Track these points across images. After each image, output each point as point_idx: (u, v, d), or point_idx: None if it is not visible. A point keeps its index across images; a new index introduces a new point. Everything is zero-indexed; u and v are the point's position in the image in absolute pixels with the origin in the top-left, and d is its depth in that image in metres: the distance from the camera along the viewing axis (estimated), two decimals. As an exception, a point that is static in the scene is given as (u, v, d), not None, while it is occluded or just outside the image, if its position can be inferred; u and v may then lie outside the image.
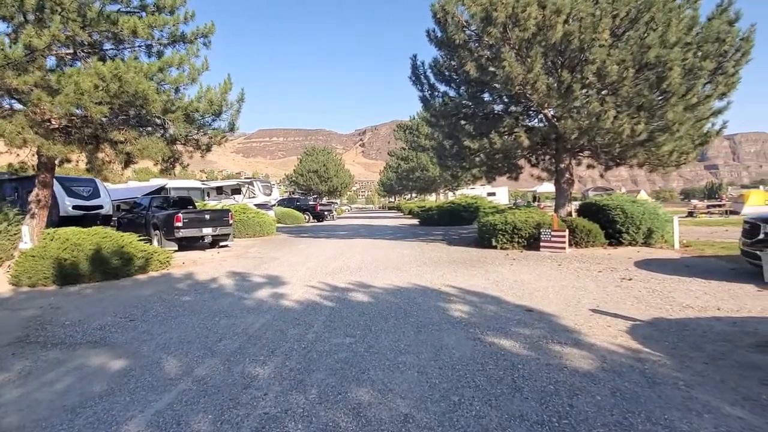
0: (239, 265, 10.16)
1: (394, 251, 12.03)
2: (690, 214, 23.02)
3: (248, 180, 32.50)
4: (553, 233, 10.55)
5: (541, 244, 10.71)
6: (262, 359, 4.01)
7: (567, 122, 9.70)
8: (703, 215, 22.48)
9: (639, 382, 3.36)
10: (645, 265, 8.45)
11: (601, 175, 14.40)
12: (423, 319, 5.22)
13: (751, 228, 6.88)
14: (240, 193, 31.24)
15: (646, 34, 8.81)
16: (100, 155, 12.20)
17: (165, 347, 4.46)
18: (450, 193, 44.89)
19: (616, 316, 5.21)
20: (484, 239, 11.93)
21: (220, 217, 13.76)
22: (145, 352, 4.35)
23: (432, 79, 13.39)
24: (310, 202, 33.96)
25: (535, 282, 7.23)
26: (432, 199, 46.12)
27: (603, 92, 9.63)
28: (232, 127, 12.34)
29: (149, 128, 11.74)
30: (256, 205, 25.29)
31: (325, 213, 33.26)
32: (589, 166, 13.66)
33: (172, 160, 12.72)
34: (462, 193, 38.94)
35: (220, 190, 32.40)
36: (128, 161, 11.78)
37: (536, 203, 32.95)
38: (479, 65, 10.19)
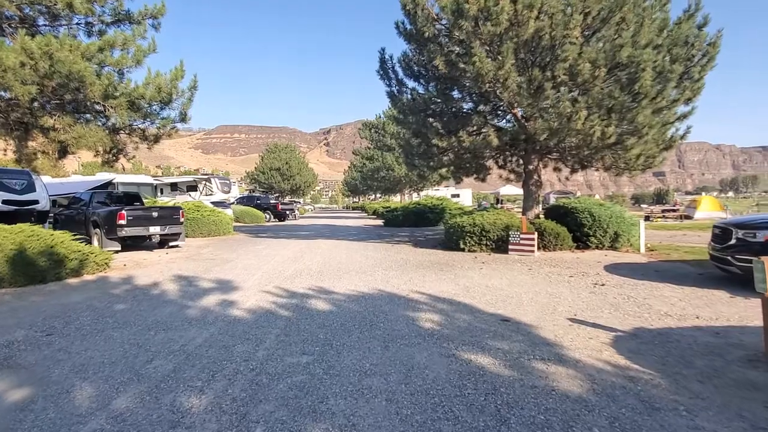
0: (188, 268, 9.28)
1: (359, 253, 11.46)
2: (647, 218, 23.74)
3: (205, 176, 31.00)
4: (522, 236, 10.29)
5: (510, 247, 10.43)
6: (200, 386, 3.34)
7: (537, 122, 9.45)
8: (659, 219, 23.22)
9: (636, 408, 2.94)
10: (615, 269, 8.28)
11: (567, 178, 14.38)
12: (390, 331, 4.67)
13: (722, 233, 6.78)
14: (196, 190, 29.77)
15: (617, 35, 8.67)
16: (31, 144, 10.96)
17: (82, 370, 3.70)
18: (415, 194, 44.75)
19: (595, 326, 4.86)
20: (452, 241, 11.55)
21: (169, 215, 12.72)
22: (56, 376, 3.58)
23: (400, 74, 12.91)
24: (272, 201, 32.82)
25: (507, 288, 6.85)
26: (397, 200, 45.83)
27: (574, 93, 9.43)
28: (183, 117, 11.41)
29: (88, 115, 10.65)
30: (213, 203, 24.07)
31: (287, 212, 32.22)
32: (555, 169, 13.58)
33: (115, 151, 11.65)
34: (426, 194, 38.82)
35: (174, 187, 30.77)
36: (63, 151, 10.62)
37: (499, 205, 33.27)
38: (449, 60, 9.78)
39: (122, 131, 11.19)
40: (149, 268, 9.54)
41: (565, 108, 8.83)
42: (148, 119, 10.69)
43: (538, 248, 10.46)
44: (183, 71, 10.95)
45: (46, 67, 8.65)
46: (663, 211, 25.52)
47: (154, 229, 12.38)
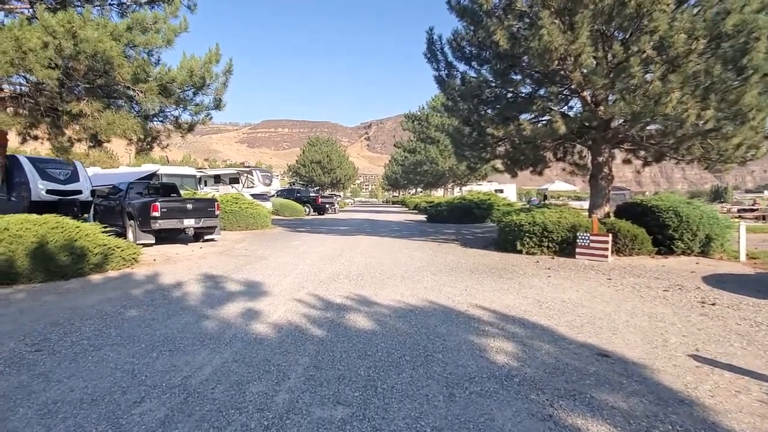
0: (219, 266, 8.51)
1: (402, 253, 10.36)
2: (719, 218, 21.12)
3: (247, 169, 30.80)
4: (592, 238, 8.85)
5: (578, 250, 9.02)
6: (192, 455, 2.35)
7: (615, 106, 7.97)
8: (736, 221, 20.65)
9: None
10: (718, 282, 6.75)
11: (638, 172, 12.67)
12: (453, 368, 3.55)
13: None
14: (239, 182, 29.64)
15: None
16: (68, 132, 10.53)
17: (51, 413, 2.82)
18: (457, 189, 43.15)
19: (733, 369, 3.55)
20: (507, 241, 10.24)
21: (204, 208, 12.10)
22: (14, 422, 2.71)
23: (450, 57, 11.64)
24: (311, 194, 32.25)
25: (589, 304, 5.55)
26: (439, 195, 44.38)
27: (662, 70, 7.85)
28: (218, 104, 10.65)
29: (120, 101, 10.07)
30: (253, 195, 23.69)
31: (327, 206, 31.57)
32: (625, 161, 11.94)
33: (149, 140, 11.05)
34: (470, 188, 37.15)
35: (217, 179, 30.79)
36: (94, 139, 10.10)
37: (545, 202, 31.18)
38: (511, 34, 8.44)
39: (155, 118, 10.56)
40: (178, 264, 8.85)
41: (655, 88, 7.32)
42: (181, 105, 9.97)
43: (612, 252, 8.98)
44: (219, 55, 10.18)
45: (70, 47, 7.99)
46: (740, 210, 22.78)
47: (189, 222, 11.79)
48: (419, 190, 56.29)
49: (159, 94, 9.30)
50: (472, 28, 10.44)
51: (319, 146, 54.26)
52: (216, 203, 12.44)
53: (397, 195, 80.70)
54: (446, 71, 11.81)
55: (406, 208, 44.93)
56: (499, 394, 3.08)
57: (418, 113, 39.98)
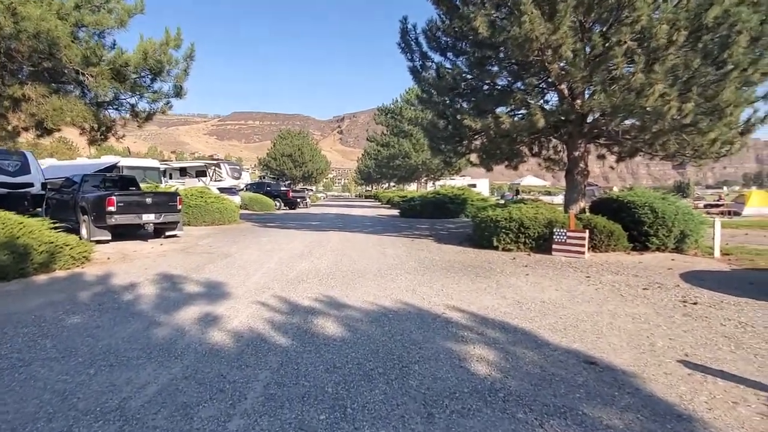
0: (178, 264, 7.93)
1: (375, 249, 9.99)
2: (684, 213, 21.61)
3: (215, 161, 29.73)
4: (569, 234, 8.70)
5: (554, 246, 8.85)
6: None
7: (597, 98, 7.79)
8: (707, 217, 21.11)
9: None
10: (696, 279, 6.66)
11: (612, 168, 12.69)
12: (431, 381, 3.20)
13: None
14: (206, 176, 28.59)
15: (703, -12, 6.95)
16: (12, 119, 9.65)
17: (-52, 452, 2.32)
18: (430, 184, 43.07)
19: (725, 376, 3.34)
20: (483, 237, 10.00)
21: (165, 202, 11.38)
22: None
23: (425, 47, 11.28)
24: (282, 188, 31.44)
25: (570, 304, 5.32)
26: (412, 189, 44.21)
27: (643, 61, 7.70)
28: (179, 92, 9.97)
29: (69, 87, 9.29)
30: (221, 189, 22.82)
31: (298, 200, 30.87)
32: (600, 157, 11.90)
33: (103, 129, 10.28)
34: (444, 183, 37.09)
35: (183, 172, 29.64)
36: (42, 127, 9.29)
37: (517, 196, 31.40)
38: (491, 21, 8.14)
39: (109, 106, 9.80)
40: (135, 262, 8.22)
41: (637, 80, 7.16)
42: (137, 92, 9.27)
43: (588, 249, 8.86)
44: (180, 39, 9.51)
45: (10, 26, 7.22)
46: (706, 206, 23.41)
47: (148, 217, 11.06)
48: (392, 184, 56.00)
49: (112, 79, 8.59)
50: (448, 16, 10.10)
51: (291, 139, 53.13)
52: (178, 197, 11.74)
53: (370, 189, 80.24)
54: (421, 62, 11.45)
55: (379, 203, 44.58)
56: (482, 412, 2.75)
57: (392, 106, 39.57)
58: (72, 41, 8.08)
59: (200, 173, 29.11)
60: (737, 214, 20.80)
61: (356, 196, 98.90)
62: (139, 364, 3.48)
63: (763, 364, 3.58)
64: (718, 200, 26.36)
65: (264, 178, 46.64)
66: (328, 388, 3.06)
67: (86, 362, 3.53)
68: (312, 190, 53.34)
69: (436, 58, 11.34)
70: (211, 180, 27.81)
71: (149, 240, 11.49)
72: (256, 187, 31.13)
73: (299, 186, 47.71)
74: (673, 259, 8.36)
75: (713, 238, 8.67)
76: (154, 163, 25.67)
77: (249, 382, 3.14)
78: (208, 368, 3.39)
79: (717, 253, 8.59)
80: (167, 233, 11.93)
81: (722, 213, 20.37)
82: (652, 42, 7.16)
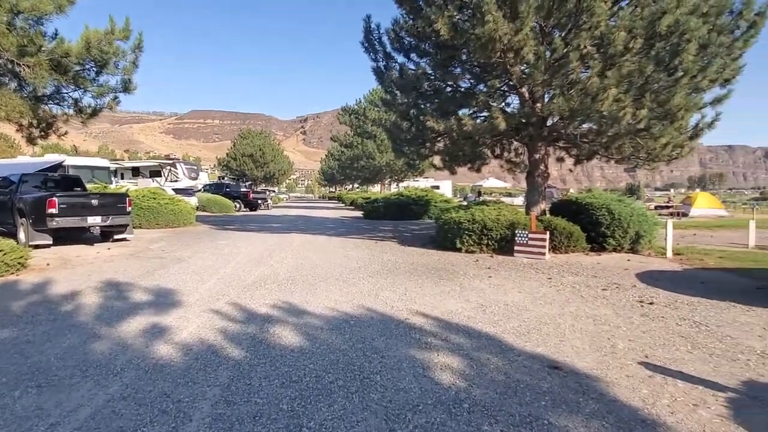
0: (126, 271, 7.42)
1: (337, 252, 9.76)
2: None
3: (170, 161, 28.51)
4: (530, 236, 8.79)
5: (516, 248, 8.93)
6: None
7: (556, 102, 7.90)
8: (660, 218, 22.11)
9: None
10: (651, 279, 6.85)
11: (570, 170, 13.01)
12: (393, 392, 3.04)
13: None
14: (160, 176, 27.38)
15: (656, -2, 7.18)
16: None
17: None
18: (394, 185, 43.12)
19: (684, 378, 3.37)
20: (446, 239, 9.98)
21: (113, 204, 10.70)
22: None
23: (388, 47, 11.17)
24: (243, 189, 30.54)
25: (533, 307, 5.31)
26: (376, 190, 44.11)
27: (599, 66, 7.88)
28: (127, 86, 9.39)
29: (4, 78, 8.55)
30: (176, 189, 21.88)
31: (259, 201, 30.07)
32: (559, 159, 12.15)
33: (43, 125, 9.54)
34: (407, 185, 37.19)
35: (136, 172, 28.29)
36: (-30, 122, 8.51)
37: (480, 198, 31.92)
38: (453, 24, 8.11)
39: (50, 100, 9.11)
40: (77, 269, 7.63)
41: (593, 85, 7.31)
42: (81, 85, 8.64)
43: (549, 250, 8.98)
44: (129, 30, 8.95)
45: (-68, 9, 6.55)
46: (657, 207, 24.55)
47: (94, 220, 10.35)
48: (356, 185, 55.70)
49: (52, 71, 7.96)
50: (411, 17, 10.02)
51: (252, 139, 51.77)
52: (127, 198, 11.06)
53: (333, 191, 79.59)
54: (384, 62, 11.33)
55: (343, 204, 44.22)
56: (447, 426, 2.61)
57: (356, 107, 39.31)
58: (7, 29, 7.42)
59: (154, 173, 27.84)
60: (685, 215, 21.95)
61: (320, 198, 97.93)
62: (73, 384, 3.14)
63: (719, 363, 3.64)
64: (667, 202, 27.75)
65: (223, 178, 45.13)
66: (283, 404, 2.84)
67: (11, 383, 3.15)
68: (274, 191, 52.22)
69: (400, 58, 11.26)
70: (166, 180, 26.65)
71: (95, 244, 10.77)
72: (214, 187, 30.10)
73: (261, 187, 46.60)
74: (628, 260, 8.61)
75: (666, 239, 9.00)
76: (103, 162, 24.31)
77: (195, 401, 2.88)
78: (151, 386, 3.09)
79: (669, 254, 8.92)
80: (116, 237, 11.23)
81: (672, 214, 21.42)
82: (609, 48, 7.33)
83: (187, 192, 22.28)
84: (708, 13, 7.49)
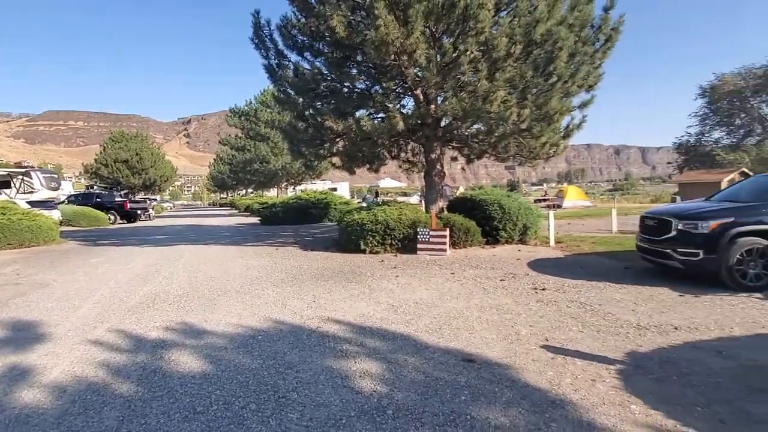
0: (-33, 303, 6.09)
1: (236, 262, 9.14)
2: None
3: (23, 170, 24.44)
4: (431, 233, 9.10)
5: (419, 246, 9.18)
6: None
7: (449, 103, 8.28)
8: (539, 210, 24.52)
9: None
10: (540, 267, 7.51)
11: (463, 169, 13.79)
12: (312, 409, 2.85)
13: (658, 224, 6.29)
14: (9, 187, 23.31)
15: (531, 8, 7.88)
16: None
17: None
18: (291, 189, 42.06)
19: (580, 355, 3.70)
20: (350, 241, 9.91)
21: (-54, 222, 8.79)
22: None
23: (280, 44, 10.77)
24: (117, 199, 27.32)
25: (441, 303, 5.46)
26: (272, 195, 42.60)
27: (487, 69, 8.43)
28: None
29: None
30: (32, 202, 18.75)
31: (139, 212, 27.19)
32: (453, 159, 12.82)
33: None
34: (305, 188, 36.52)
35: (-24, 184, 23.73)
36: None
37: (378, 198, 32.61)
38: (348, 23, 8.06)
39: None
40: None
41: (482, 86, 7.79)
42: None
43: (449, 246, 9.39)
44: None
45: None
46: (535, 201, 27.28)
47: None
48: (250, 190, 53.27)
49: None
50: (303, 14, 9.78)
51: (126, 142, 46.49)
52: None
53: (225, 197, 75.24)
54: (277, 60, 10.90)
55: (237, 211, 41.99)
56: (374, 438, 2.50)
57: (246, 108, 37.53)
58: None
59: (3, 184, 23.64)
60: (559, 206, 24.72)
61: (210, 205, 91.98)
62: None
63: (605, 339, 4.06)
64: (544, 195, 31.03)
65: (93, 187, 39.83)
66: (188, 442, 2.49)
67: None
68: (156, 199, 47.64)
69: (293, 57, 10.93)
70: (17, 192, 22.76)
71: None
72: (82, 198, 26.46)
73: (140, 196, 42.20)
74: (519, 250, 9.36)
75: (548, 229, 9.96)
76: (-70, 172, 20.08)
77: (74, 456, 2.39)
78: (10, 446, 2.51)
79: (552, 242, 9.91)
80: (-48, 262, 9.25)
81: (548, 206, 23.94)
82: (493, 53, 7.88)
83: (46, 205, 19.23)
84: (574, 24, 8.46)
